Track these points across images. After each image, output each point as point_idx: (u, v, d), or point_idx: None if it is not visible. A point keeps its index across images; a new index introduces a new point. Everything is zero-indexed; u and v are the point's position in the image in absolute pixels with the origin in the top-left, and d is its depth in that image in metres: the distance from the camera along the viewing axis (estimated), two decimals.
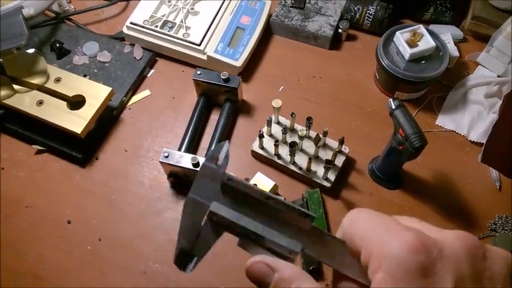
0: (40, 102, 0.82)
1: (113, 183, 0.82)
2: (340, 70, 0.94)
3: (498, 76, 0.90)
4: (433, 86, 0.88)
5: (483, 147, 0.77)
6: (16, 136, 0.86)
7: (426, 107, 0.88)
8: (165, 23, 0.93)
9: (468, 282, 0.25)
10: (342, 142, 0.77)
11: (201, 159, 0.73)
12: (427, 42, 0.83)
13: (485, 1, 0.92)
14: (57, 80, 0.84)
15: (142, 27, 0.93)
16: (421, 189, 0.80)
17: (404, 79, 0.82)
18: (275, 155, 0.81)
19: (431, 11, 0.96)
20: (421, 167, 0.81)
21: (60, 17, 1.00)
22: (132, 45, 0.95)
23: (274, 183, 0.77)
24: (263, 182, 0.77)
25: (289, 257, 0.30)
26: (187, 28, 0.93)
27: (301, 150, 0.81)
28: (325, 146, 0.81)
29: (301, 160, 0.79)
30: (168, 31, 0.92)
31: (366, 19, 0.95)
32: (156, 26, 0.92)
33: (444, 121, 0.86)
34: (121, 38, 0.97)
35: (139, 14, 0.94)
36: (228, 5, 0.95)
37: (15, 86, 0.83)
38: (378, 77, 0.89)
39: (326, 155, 0.80)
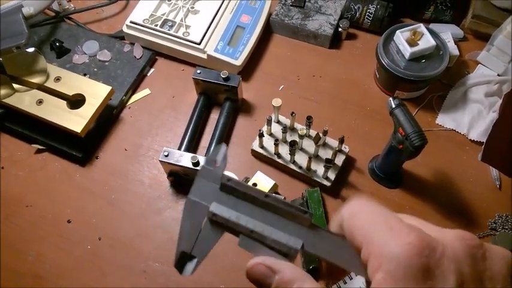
0: (40, 101, 0.82)
1: (112, 182, 0.82)
2: (340, 69, 0.94)
3: (498, 75, 0.90)
4: (433, 85, 0.88)
5: (483, 146, 0.77)
6: (16, 135, 0.86)
7: (426, 106, 0.88)
8: (165, 21, 0.93)
9: (469, 283, 0.25)
10: (342, 141, 0.77)
11: (201, 158, 0.73)
12: (427, 41, 0.83)
13: (485, 0, 0.92)
14: (57, 79, 0.84)
15: (142, 26, 0.92)
16: (421, 188, 0.80)
17: (405, 78, 0.82)
18: (275, 154, 0.81)
19: (432, 9, 0.96)
20: (421, 166, 0.81)
21: (60, 16, 1.00)
22: (132, 44, 0.95)
23: (274, 182, 0.77)
24: (263, 181, 0.77)
25: (289, 254, 0.31)
26: (187, 27, 0.92)
27: (301, 149, 0.81)
28: (325, 145, 0.81)
29: (301, 159, 0.79)
30: (168, 30, 0.92)
31: (366, 18, 0.94)
32: (156, 25, 0.92)
33: (444, 120, 0.86)
34: (121, 37, 0.97)
35: (139, 13, 0.94)
36: (228, 4, 0.95)
37: (15, 85, 0.83)
38: (378, 76, 0.89)
39: (326, 154, 0.80)
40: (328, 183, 0.78)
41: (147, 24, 0.92)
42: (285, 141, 0.81)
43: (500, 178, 0.80)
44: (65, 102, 0.82)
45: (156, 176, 0.82)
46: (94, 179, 0.82)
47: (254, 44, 0.92)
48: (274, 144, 0.78)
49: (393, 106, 0.68)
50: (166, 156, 0.75)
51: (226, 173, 0.35)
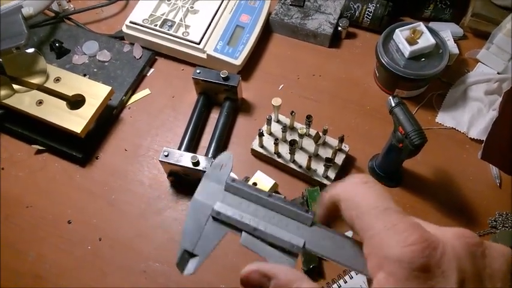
0: (40, 102, 0.82)
1: (112, 183, 0.82)
2: (340, 68, 0.93)
3: (498, 73, 0.90)
4: (433, 84, 0.88)
5: (483, 144, 0.77)
6: (16, 136, 0.86)
7: (426, 105, 0.88)
8: (165, 21, 0.93)
9: (470, 281, 0.25)
10: (341, 140, 0.77)
11: (201, 158, 0.73)
12: (426, 40, 0.83)
13: None
14: (57, 79, 0.84)
15: (142, 26, 0.93)
16: (421, 186, 0.79)
17: (404, 77, 0.82)
18: (275, 153, 0.81)
19: (431, 8, 0.95)
20: (421, 165, 0.81)
21: (60, 16, 1.00)
22: (132, 44, 0.95)
23: (274, 181, 0.77)
24: (263, 180, 0.77)
25: (292, 251, 0.31)
26: (187, 27, 0.92)
27: (301, 148, 0.81)
28: (325, 144, 0.81)
29: (301, 158, 0.79)
30: (168, 30, 0.92)
31: (366, 17, 0.94)
32: (156, 25, 0.92)
33: (444, 118, 0.86)
34: (120, 37, 0.97)
35: (138, 13, 0.94)
36: (227, 4, 0.95)
37: (15, 86, 0.83)
38: (377, 74, 0.89)
39: (326, 153, 0.80)
40: (328, 183, 0.78)
41: (146, 24, 0.92)
42: (285, 141, 0.81)
43: (501, 176, 0.80)
44: (65, 102, 0.82)
45: (156, 176, 0.82)
46: (94, 180, 0.82)
47: (254, 44, 0.92)
48: (274, 143, 0.78)
49: (393, 105, 0.68)
50: (166, 156, 0.75)
51: None
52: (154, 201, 0.80)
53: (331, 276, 0.71)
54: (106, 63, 0.93)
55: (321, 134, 0.77)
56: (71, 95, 0.83)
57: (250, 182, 0.76)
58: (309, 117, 0.77)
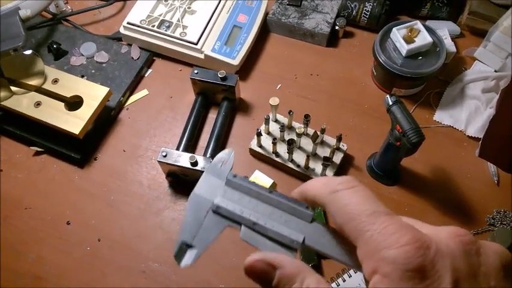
0: (38, 104, 0.82)
1: (111, 184, 0.82)
2: (338, 67, 0.94)
3: (495, 71, 0.90)
4: (430, 82, 0.88)
5: (480, 142, 0.77)
6: (14, 138, 0.87)
7: (424, 103, 0.88)
8: (162, 22, 0.93)
9: (464, 280, 0.25)
10: (339, 139, 0.77)
11: (200, 158, 0.74)
12: (423, 38, 0.83)
13: None
14: (55, 81, 0.84)
15: (139, 27, 0.93)
16: (419, 184, 0.80)
17: (402, 75, 0.82)
18: (273, 153, 0.81)
19: (428, 6, 0.96)
20: (419, 163, 0.81)
21: (57, 18, 1.00)
22: (130, 45, 0.95)
23: (273, 181, 0.78)
24: (261, 180, 0.77)
25: (292, 246, 0.31)
26: (184, 27, 0.93)
27: (299, 147, 0.81)
28: (323, 143, 0.81)
29: (299, 158, 0.80)
30: (165, 30, 0.92)
31: (363, 16, 0.95)
32: (153, 26, 0.92)
33: (442, 116, 0.86)
34: (118, 38, 0.98)
35: (136, 14, 0.94)
36: (224, 4, 0.95)
37: (13, 88, 0.83)
38: (375, 73, 0.89)
39: (324, 152, 0.80)
40: None
41: (144, 25, 0.92)
42: (283, 140, 0.81)
43: (498, 174, 0.80)
44: (63, 104, 0.83)
45: (155, 177, 0.82)
46: (93, 181, 0.82)
47: (251, 44, 0.92)
48: (272, 143, 0.78)
49: (390, 103, 0.68)
50: (165, 156, 0.75)
51: None
52: (153, 201, 0.80)
53: (329, 275, 0.71)
54: (104, 65, 0.93)
55: (318, 133, 0.77)
56: (69, 96, 0.83)
57: None
58: (306, 116, 0.77)
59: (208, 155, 0.79)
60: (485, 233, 0.75)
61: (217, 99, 0.87)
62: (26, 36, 0.82)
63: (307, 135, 0.81)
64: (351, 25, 0.98)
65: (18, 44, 0.81)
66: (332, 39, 0.97)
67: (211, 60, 0.90)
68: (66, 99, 0.83)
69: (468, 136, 0.84)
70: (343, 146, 0.80)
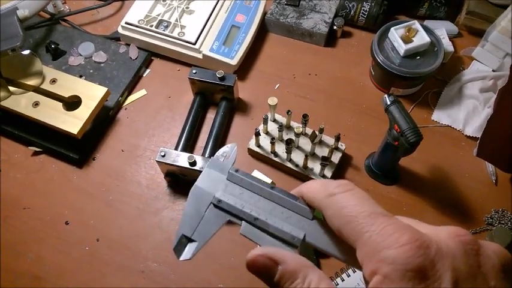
0: (36, 104, 0.82)
1: (110, 184, 0.82)
2: (336, 67, 0.94)
3: (493, 71, 0.90)
4: (428, 82, 0.89)
5: (478, 142, 0.77)
6: (13, 138, 0.86)
7: (422, 103, 0.88)
8: (160, 22, 0.93)
9: (464, 280, 0.25)
10: (338, 139, 0.77)
11: (198, 158, 0.74)
12: (421, 38, 0.83)
13: None
14: (53, 81, 0.84)
15: (138, 26, 0.93)
16: (418, 184, 0.80)
17: (400, 75, 0.82)
18: (272, 152, 0.81)
19: (426, 6, 0.96)
20: (417, 163, 0.81)
21: (55, 18, 1.00)
22: (128, 45, 0.95)
23: (271, 180, 0.78)
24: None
25: (293, 243, 0.31)
26: (183, 27, 0.93)
27: (298, 147, 0.81)
28: (321, 143, 0.81)
29: (298, 157, 0.80)
30: (163, 30, 0.92)
31: (361, 16, 0.95)
32: (151, 26, 0.92)
33: (440, 116, 0.86)
34: (116, 38, 0.98)
35: (134, 14, 0.94)
36: (223, 4, 0.95)
37: (11, 88, 0.83)
38: (373, 73, 0.90)
39: (322, 152, 0.80)
40: None
41: (142, 25, 0.92)
42: (282, 140, 0.82)
43: (496, 173, 0.80)
44: (61, 104, 0.82)
45: (153, 177, 0.82)
46: (91, 181, 0.82)
47: (249, 43, 0.92)
48: (271, 142, 0.78)
49: (388, 103, 0.68)
50: (163, 156, 0.75)
51: None
52: (151, 201, 0.80)
53: (328, 275, 0.71)
54: (102, 64, 0.93)
55: (317, 133, 0.77)
56: (67, 96, 0.83)
57: None
58: (305, 116, 0.77)
59: (206, 155, 0.79)
60: (483, 233, 0.75)
61: (216, 99, 0.87)
62: (24, 36, 0.82)
63: (305, 135, 0.81)
64: (349, 25, 0.98)
65: (16, 44, 0.81)
66: (330, 39, 0.97)
67: (209, 60, 0.90)
68: (64, 99, 0.83)
69: (466, 136, 0.84)
70: (342, 145, 0.80)
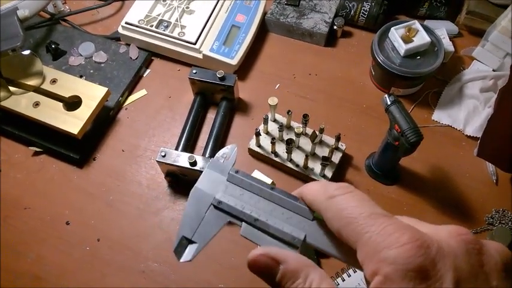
0: (36, 104, 0.82)
1: (110, 184, 0.82)
2: (336, 67, 0.94)
3: (493, 70, 0.90)
4: (428, 82, 0.89)
5: (479, 142, 0.77)
6: (13, 138, 0.86)
7: (422, 103, 0.88)
8: (160, 22, 0.93)
9: (466, 279, 0.24)
10: (338, 139, 0.77)
11: (198, 158, 0.74)
12: (422, 38, 0.83)
13: None
14: (53, 81, 0.84)
15: (138, 26, 0.93)
16: (418, 184, 0.80)
17: (400, 75, 0.82)
18: (272, 152, 0.81)
19: (426, 6, 0.96)
20: (417, 162, 0.81)
21: (56, 18, 1.00)
22: (128, 45, 0.95)
23: (272, 180, 0.78)
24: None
25: (293, 244, 0.31)
26: (183, 27, 0.93)
27: (298, 147, 0.81)
28: (321, 143, 0.81)
29: (298, 157, 0.80)
30: (164, 30, 0.92)
31: (361, 15, 0.95)
32: (152, 26, 0.92)
33: (440, 116, 0.86)
34: (116, 38, 0.98)
35: (134, 14, 0.94)
36: (223, 4, 0.95)
37: (11, 88, 0.83)
38: (373, 73, 0.90)
39: (323, 152, 0.80)
40: (325, 181, 0.78)
41: (142, 25, 0.92)
42: (282, 140, 0.82)
43: (497, 173, 0.80)
44: (62, 104, 0.83)
45: (154, 177, 0.82)
46: (92, 181, 0.82)
47: (250, 43, 0.92)
48: (271, 142, 0.78)
49: (388, 103, 0.68)
50: (164, 156, 0.75)
51: None
52: (152, 201, 0.80)
53: (329, 274, 0.71)
54: (102, 64, 0.93)
55: (317, 132, 0.77)
56: (67, 96, 0.83)
57: None
58: (305, 116, 0.77)
59: (207, 155, 0.79)
60: (484, 233, 0.75)
61: (216, 99, 0.87)
62: (24, 36, 0.82)
63: (305, 134, 0.81)
64: (349, 25, 0.98)
65: (17, 44, 0.81)
66: (330, 39, 0.97)
67: (209, 60, 0.90)
68: (64, 99, 0.83)
69: (466, 135, 0.84)
70: (342, 145, 0.80)
